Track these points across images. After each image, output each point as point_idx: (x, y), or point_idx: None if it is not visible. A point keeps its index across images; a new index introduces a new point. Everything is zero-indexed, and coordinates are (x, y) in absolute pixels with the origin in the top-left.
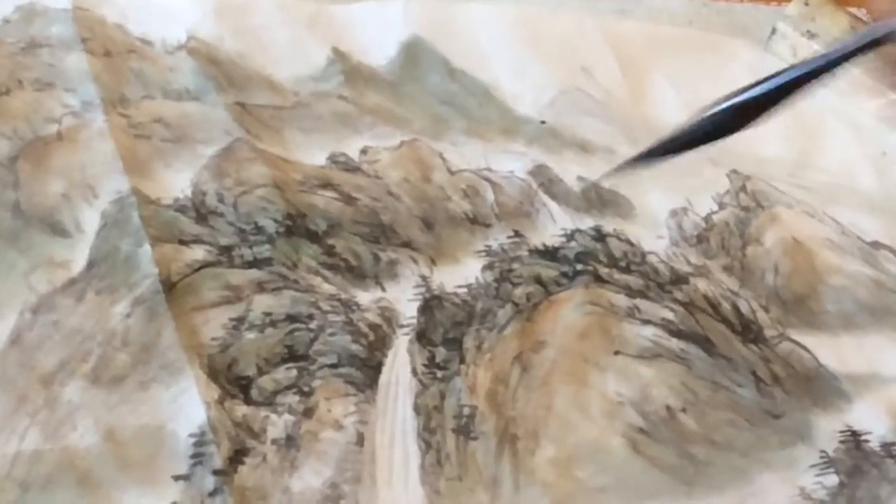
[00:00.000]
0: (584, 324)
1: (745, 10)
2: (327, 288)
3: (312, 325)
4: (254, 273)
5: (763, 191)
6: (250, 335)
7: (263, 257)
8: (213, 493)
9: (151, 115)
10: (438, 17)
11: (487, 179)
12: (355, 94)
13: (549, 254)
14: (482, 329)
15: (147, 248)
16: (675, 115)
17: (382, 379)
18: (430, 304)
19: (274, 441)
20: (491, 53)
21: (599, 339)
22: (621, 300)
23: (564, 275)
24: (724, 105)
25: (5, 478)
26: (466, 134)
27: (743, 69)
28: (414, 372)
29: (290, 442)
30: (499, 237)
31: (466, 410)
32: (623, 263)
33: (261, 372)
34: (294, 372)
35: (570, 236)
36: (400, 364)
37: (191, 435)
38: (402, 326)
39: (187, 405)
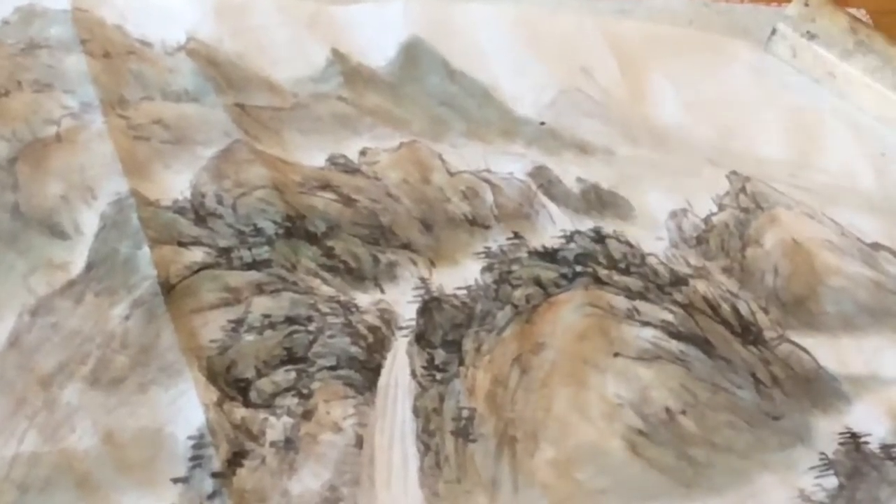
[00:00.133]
0: (583, 325)
1: (745, 10)
2: (326, 290)
3: (311, 328)
4: (253, 275)
5: (763, 192)
6: (249, 337)
7: (262, 259)
8: (211, 496)
9: (150, 116)
10: (438, 17)
11: (487, 181)
12: (355, 96)
13: (549, 255)
14: (481, 331)
15: (146, 249)
16: (675, 115)
17: (381, 381)
18: (430, 305)
19: (273, 443)
20: (490, 54)
21: (599, 341)
22: (621, 302)
23: (564, 276)
24: None
25: (4, 479)
26: (466, 135)
27: (743, 69)
28: (413, 374)
29: (288, 444)
30: (498, 239)
31: (465, 412)
32: (622, 265)
33: (260, 374)
34: (293, 374)
35: (570, 238)
36: (399, 366)
37: (189, 437)
38: (401, 328)
39: (186, 407)
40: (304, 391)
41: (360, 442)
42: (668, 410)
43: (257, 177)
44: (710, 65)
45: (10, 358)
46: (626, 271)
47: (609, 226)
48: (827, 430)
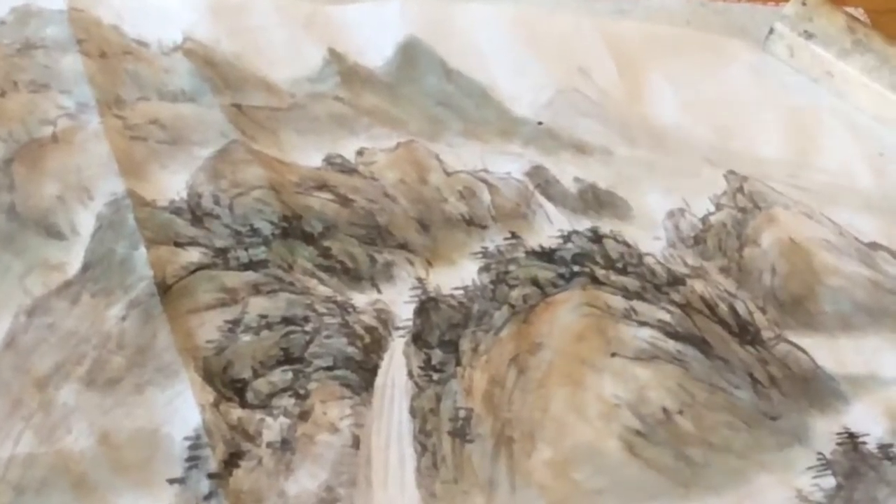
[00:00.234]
0: (580, 325)
1: (742, 10)
2: (323, 290)
3: (308, 328)
4: (249, 275)
5: (760, 192)
6: (246, 338)
7: (259, 259)
8: (208, 497)
9: (147, 116)
10: (435, 17)
11: (484, 181)
12: (351, 96)
13: (546, 255)
14: (478, 331)
15: (142, 250)
16: (673, 115)
17: (378, 381)
18: (426, 306)
19: (269, 444)
20: (488, 54)
21: (596, 341)
22: (618, 302)
23: (561, 276)
24: None
25: (0, 481)
26: (463, 135)
27: (741, 69)
28: (410, 374)
29: (285, 445)
30: (495, 239)
31: (462, 413)
32: (620, 265)
33: (256, 374)
34: (289, 374)
35: (567, 238)
36: (396, 366)
37: (186, 438)
38: (397, 329)
39: (182, 408)
40: (301, 392)
41: (356, 442)
42: (665, 410)
43: (254, 177)
44: (708, 65)
45: (6, 359)
46: (623, 271)
47: (606, 226)
48: (825, 430)
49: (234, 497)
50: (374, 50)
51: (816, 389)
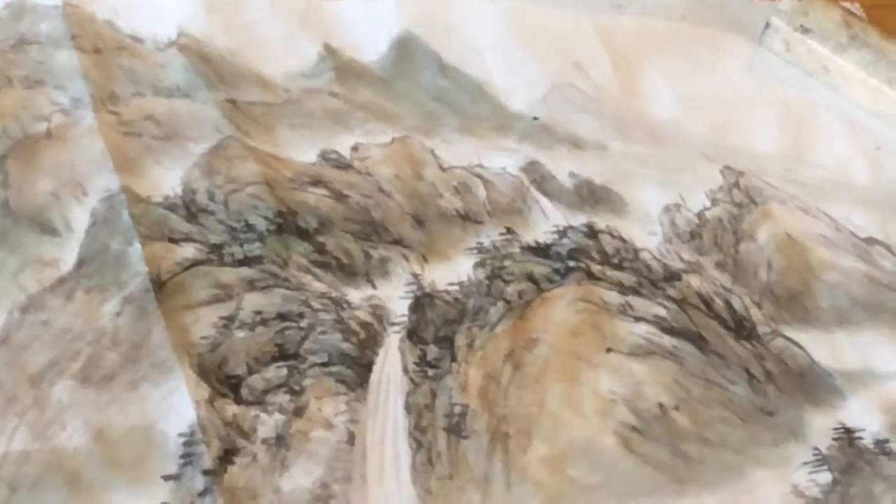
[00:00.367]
0: (576, 321)
1: (738, 4)
2: (318, 286)
3: (303, 324)
4: (244, 271)
5: (756, 186)
6: (240, 334)
7: (254, 255)
8: (202, 493)
9: (142, 112)
10: (430, 12)
11: (479, 176)
12: (346, 91)
13: (542, 251)
14: (474, 327)
15: (137, 246)
16: (669, 110)
17: (373, 377)
18: (422, 301)
19: (264, 440)
20: (483, 49)
21: (592, 337)
22: (614, 297)
23: (557, 272)
24: None
25: None
26: (458, 131)
27: (737, 64)
28: (405, 370)
29: (280, 441)
30: (491, 234)
31: (458, 409)
32: (615, 260)
33: (251, 371)
34: (284, 371)
35: (563, 233)
36: (391, 362)
37: (180, 434)
38: (393, 324)
39: (177, 405)
40: (296, 388)
41: (351, 439)
42: (661, 406)
43: (249, 173)
44: (704, 59)
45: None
46: (619, 266)
47: (602, 221)
48: (821, 426)
49: (229, 493)
50: (369, 45)
51: (812, 385)
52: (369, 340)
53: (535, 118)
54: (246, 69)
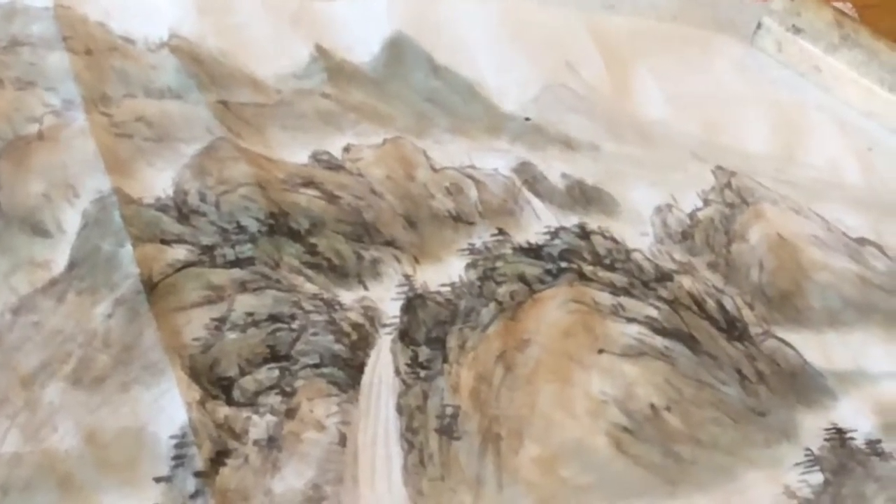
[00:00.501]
0: (568, 322)
1: (730, 4)
2: (310, 287)
3: (295, 325)
4: (236, 273)
5: (748, 187)
6: (232, 335)
7: (245, 257)
8: (194, 495)
9: (133, 113)
10: (422, 13)
11: (471, 177)
12: (338, 92)
13: (533, 252)
14: (465, 328)
15: (128, 247)
16: (661, 110)
17: (365, 379)
18: (414, 303)
19: (256, 442)
20: (475, 50)
21: (583, 338)
22: (605, 298)
23: (548, 273)
24: None
25: None
26: (450, 131)
27: (728, 64)
28: (397, 371)
29: (272, 443)
30: (482, 235)
31: (449, 410)
32: (607, 261)
33: (243, 372)
34: (276, 372)
35: (555, 234)
36: (383, 364)
37: (172, 436)
38: (384, 326)
39: (168, 406)
40: (288, 389)
41: (343, 440)
42: (652, 407)
43: (240, 174)
44: (696, 60)
45: None
46: (610, 267)
47: (594, 222)
48: (812, 426)
49: (221, 495)
50: (361, 46)
51: (804, 385)
52: (361, 342)
53: (527, 119)
54: (237, 70)
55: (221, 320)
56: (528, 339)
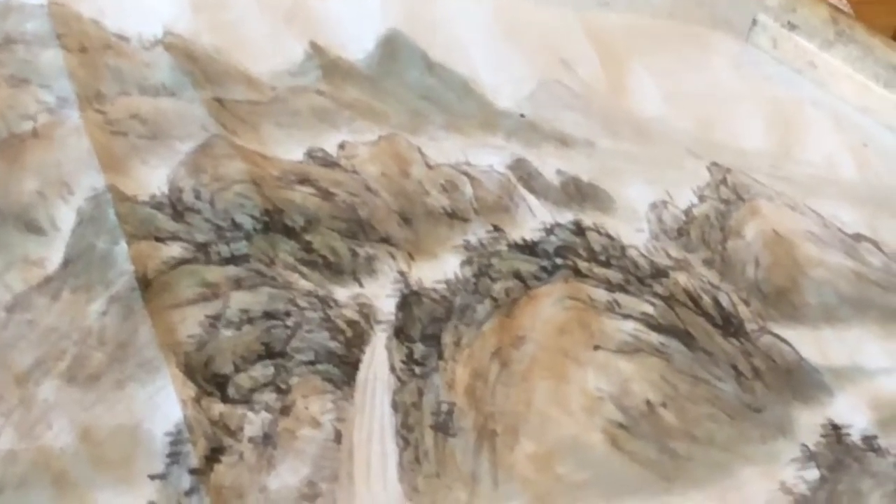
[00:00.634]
0: (563, 318)
1: (725, 1)
2: (304, 284)
3: (289, 322)
4: (231, 270)
5: (744, 183)
6: (227, 332)
7: (240, 254)
8: (189, 492)
9: (128, 111)
10: (417, 10)
11: (466, 174)
12: (333, 89)
13: (529, 248)
14: (461, 325)
15: (123, 245)
16: (656, 107)
17: (360, 376)
18: (409, 299)
19: (251, 439)
20: (470, 46)
21: (579, 334)
22: (601, 294)
23: (544, 269)
24: None
25: None
26: (445, 128)
27: (724, 61)
28: (392, 368)
29: (267, 440)
30: (477, 232)
31: (445, 407)
32: (603, 257)
33: (238, 369)
34: (271, 369)
35: (550, 230)
36: (378, 361)
37: (167, 434)
38: (379, 323)
39: (163, 404)
40: (283, 386)
41: (338, 437)
42: (648, 403)
43: (235, 171)
44: (691, 56)
45: None
46: (606, 264)
47: (589, 218)
48: (808, 422)
49: (216, 492)
50: (356, 43)
51: (800, 381)
52: (356, 339)
53: (522, 115)
54: (232, 67)
55: (216, 317)
56: (524, 335)
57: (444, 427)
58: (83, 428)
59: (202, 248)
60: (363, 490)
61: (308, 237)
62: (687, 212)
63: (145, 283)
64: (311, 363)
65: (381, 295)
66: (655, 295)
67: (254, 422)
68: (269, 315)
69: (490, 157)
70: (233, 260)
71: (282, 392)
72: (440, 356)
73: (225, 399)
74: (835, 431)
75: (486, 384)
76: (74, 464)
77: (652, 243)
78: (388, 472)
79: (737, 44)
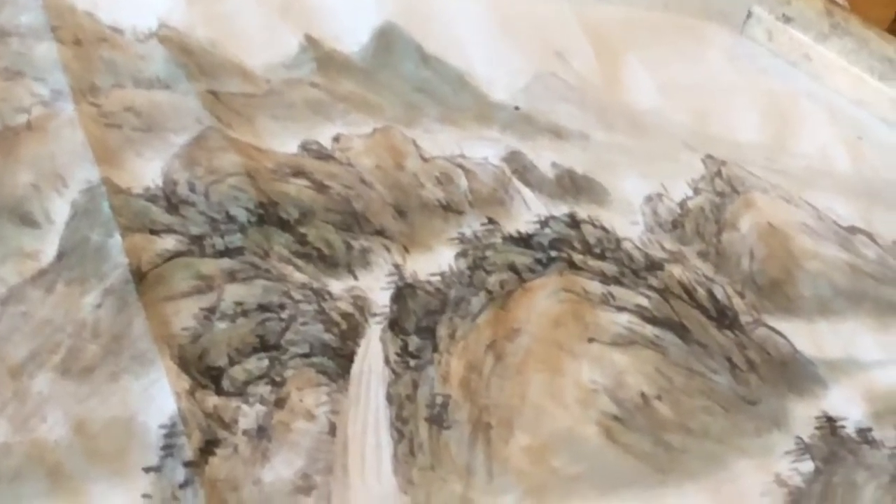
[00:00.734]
0: (558, 311)
1: None
2: (299, 277)
3: (284, 315)
4: (225, 262)
5: (738, 176)
6: (222, 325)
7: (235, 246)
8: (183, 485)
9: (122, 103)
10: (411, 2)
11: (461, 166)
12: (328, 82)
13: (523, 241)
14: (455, 317)
15: (117, 237)
16: (651, 99)
17: (355, 368)
18: (403, 292)
19: (245, 432)
20: (465, 39)
21: (574, 327)
22: (596, 287)
23: (538, 262)
24: None
25: None
26: (440, 121)
27: (719, 53)
28: (386, 361)
29: (261, 432)
30: (472, 224)
31: (439, 399)
32: (597, 250)
33: (232, 362)
34: (266, 362)
35: (544, 223)
36: (372, 353)
37: (161, 426)
38: (374, 315)
39: (158, 396)
40: (277, 379)
41: (333, 430)
42: (643, 395)
43: (230, 164)
44: (686, 49)
45: None
46: (601, 256)
47: (584, 211)
48: (803, 415)
49: (210, 485)
50: (351, 36)
51: (795, 374)
52: (351, 331)
53: (517, 108)
54: (227, 60)
55: (211, 310)
56: (519, 328)
57: (438, 419)
58: (77, 420)
59: (196, 240)
60: (358, 482)
61: (303, 230)
62: (682, 204)
63: (139, 276)
64: (306, 356)
65: (376, 287)
66: (650, 287)
67: (248, 414)
68: (263, 307)
69: (485, 149)
70: (227, 252)
71: (276, 384)
72: (435, 349)
73: (219, 391)
74: (829, 424)
75: (480, 377)
76: (69, 456)
77: (647, 236)
78: (383, 464)
79: (731, 36)
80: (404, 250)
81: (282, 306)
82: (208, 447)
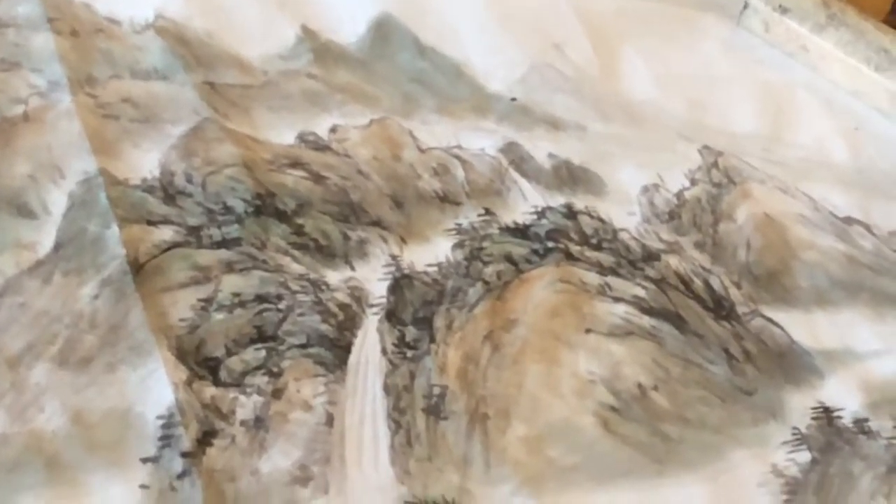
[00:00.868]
0: (555, 302)
1: None
2: (296, 268)
3: (281, 306)
4: (222, 253)
5: (735, 166)
6: (219, 316)
7: (232, 237)
8: (181, 475)
9: (119, 94)
10: None
11: (458, 157)
12: (324, 73)
13: (520, 231)
14: (452, 308)
15: (114, 228)
16: (648, 90)
17: (352, 359)
18: (400, 283)
19: (243, 422)
20: (462, 30)
21: (571, 317)
22: (592, 278)
23: (535, 252)
24: None
25: None
26: (437, 112)
27: (715, 44)
28: (384, 352)
29: (258, 423)
30: (469, 215)
31: (437, 390)
32: (594, 241)
33: (229, 353)
34: (263, 353)
35: (541, 214)
36: (370, 344)
37: (159, 417)
38: (371, 306)
39: (155, 387)
40: (275, 369)
41: (330, 420)
42: (640, 386)
43: (227, 155)
44: (683, 39)
45: None
46: (597, 247)
47: (581, 202)
48: (800, 405)
49: (208, 475)
50: (347, 27)
51: (791, 364)
52: (348, 322)
53: (514, 99)
54: (223, 51)
55: (208, 301)
56: (515, 318)
57: (435, 410)
58: (75, 411)
59: (194, 231)
60: (355, 473)
61: (300, 221)
62: (678, 195)
63: (137, 267)
64: (303, 346)
65: (373, 278)
66: (647, 278)
67: (245, 405)
68: (260, 298)
69: (482, 140)
70: (224, 243)
71: (273, 375)
72: (432, 339)
73: (217, 382)
74: (826, 414)
75: (477, 367)
76: (66, 447)
77: (643, 226)
78: (380, 455)
79: (728, 27)
80: (401, 241)
81: (279, 297)
82: (206, 438)
